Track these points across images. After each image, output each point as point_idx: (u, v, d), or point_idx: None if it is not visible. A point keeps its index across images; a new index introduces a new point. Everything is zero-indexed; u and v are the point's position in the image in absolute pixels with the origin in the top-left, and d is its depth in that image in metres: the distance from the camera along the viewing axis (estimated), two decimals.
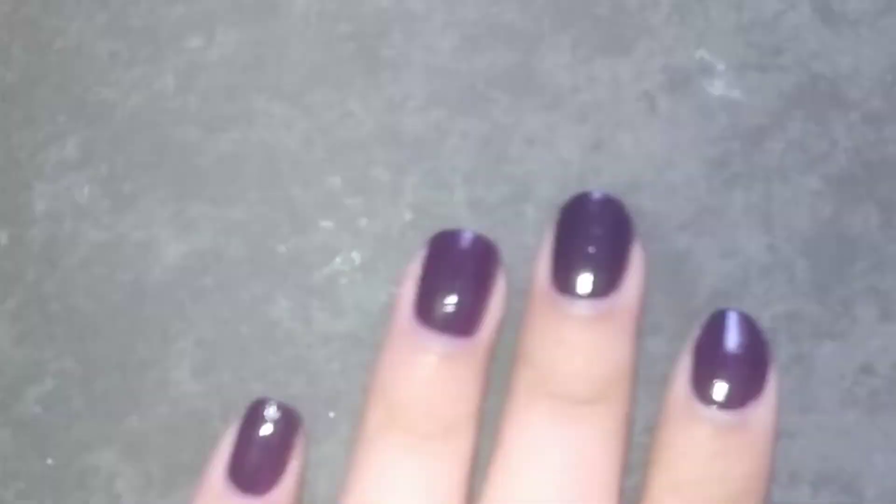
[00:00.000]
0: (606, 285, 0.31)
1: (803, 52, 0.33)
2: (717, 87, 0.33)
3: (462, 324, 0.31)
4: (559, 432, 0.31)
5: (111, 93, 0.35)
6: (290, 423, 0.32)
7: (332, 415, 0.33)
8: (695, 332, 0.31)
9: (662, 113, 0.33)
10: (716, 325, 0.31)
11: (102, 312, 0.34)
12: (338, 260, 0.34)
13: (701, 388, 0.30)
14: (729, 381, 0.30)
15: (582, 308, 0.31)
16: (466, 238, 0.32)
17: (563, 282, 0.31)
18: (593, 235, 0.31)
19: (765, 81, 0.33)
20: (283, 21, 0.35)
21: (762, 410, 0.30)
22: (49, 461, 0.34)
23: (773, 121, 0.33)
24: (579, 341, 0.31)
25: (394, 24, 0.34)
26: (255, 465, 0.32)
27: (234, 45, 0.35)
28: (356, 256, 0.34)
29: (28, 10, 0.35)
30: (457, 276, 0.31)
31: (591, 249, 0.31)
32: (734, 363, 0.31)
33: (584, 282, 0.31)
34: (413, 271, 0.32)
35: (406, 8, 0.34)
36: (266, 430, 0.32)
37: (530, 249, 0.32)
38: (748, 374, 0.31)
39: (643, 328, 0.32)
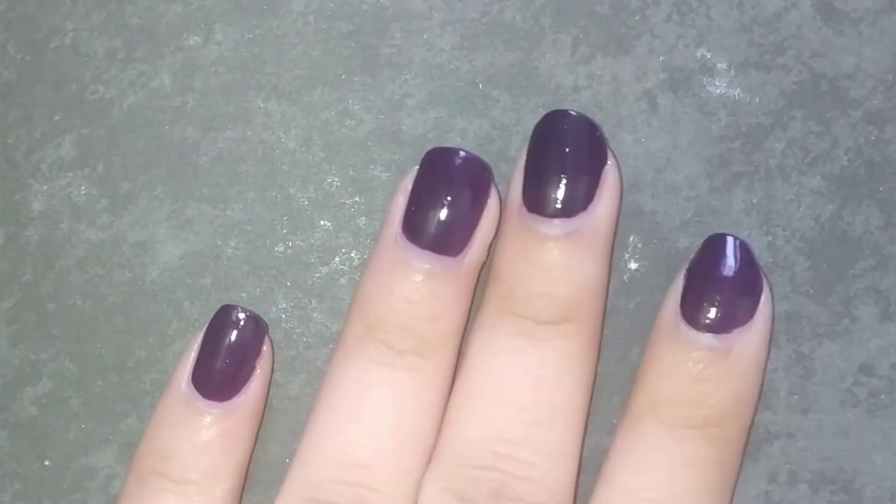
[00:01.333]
0: (574, 205, 0.30)
1: (804, 50, 0.33)
2: (718, 86, 0.33)
3: (448, 242, 0.31)
4: (522, 352, 0.30)
5: (108, 91, 0.35)
6: (255, 330, 0.32)
7: None
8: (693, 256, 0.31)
9: (663, 112, 0.33)
10: (710, 249, 0.31)
11: (99, 313, 0.34)
12: (337, 260, 0.34)
13: (688, 310, 0.30)
14: (716, 305, 0.30)
15: (548, 227, 0.30)
16: (460, 157, 0.31)
17: (530, 199, 0.30)
18: (563, 154, 0.30)
19: (766, 80, 0.33)
20: (281, 19, 0.34)
21: (749, 338, 0.30)
22: (46, 462, 0.34)
23: (774, 120, 0.33)
24: (545, 260, 0.30)
25: (393, 22, 0.34)
26: (219, 371, 0.31)
27: (232, 44, 0.34)
28: (355, 256, 0.34)
29: (24, 7, 0.35)
30: (447, 194, 0.31)
31: (559, 168, 0.30)
32: (723, 288, 0.30)
33: (551, 200, 0.30)
34: (405, 185, 0.31)
35: (405, 6, 0.34)
36: (231, 336, 0.32)
37: None
38: (737, 301, 0.30)
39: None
